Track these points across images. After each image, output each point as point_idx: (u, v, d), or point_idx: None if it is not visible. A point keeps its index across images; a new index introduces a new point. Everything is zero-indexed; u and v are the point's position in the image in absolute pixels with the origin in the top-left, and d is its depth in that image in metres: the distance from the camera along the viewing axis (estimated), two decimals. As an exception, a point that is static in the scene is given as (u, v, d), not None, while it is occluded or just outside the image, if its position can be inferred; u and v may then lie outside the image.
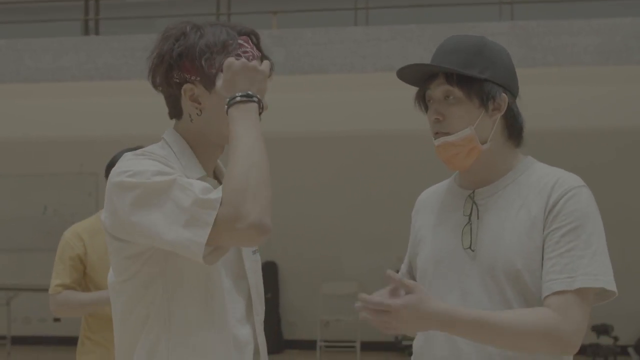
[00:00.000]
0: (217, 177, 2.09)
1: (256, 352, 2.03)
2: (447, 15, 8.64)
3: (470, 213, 2.10)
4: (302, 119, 10.03)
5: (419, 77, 2.13)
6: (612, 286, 1.98)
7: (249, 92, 1.90)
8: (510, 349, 1.98)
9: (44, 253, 7.46)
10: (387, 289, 1.96)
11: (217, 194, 1.81)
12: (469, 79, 2.06)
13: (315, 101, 9.64)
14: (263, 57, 2.03)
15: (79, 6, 9.33)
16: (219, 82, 1.92)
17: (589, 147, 9.89)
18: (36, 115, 10.24)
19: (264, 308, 2.10)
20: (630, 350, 9.71)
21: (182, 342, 1.92)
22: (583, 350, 8.72)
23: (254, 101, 1.90)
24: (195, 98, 1.97)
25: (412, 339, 2.24)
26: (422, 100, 2.15)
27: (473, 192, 2.13)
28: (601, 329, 8.83)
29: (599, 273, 1.96)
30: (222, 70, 1.93)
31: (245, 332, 2.00)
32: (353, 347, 9.86)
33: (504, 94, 2.08)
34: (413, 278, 2.22)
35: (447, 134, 2.07)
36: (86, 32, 9.21)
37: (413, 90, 2.18)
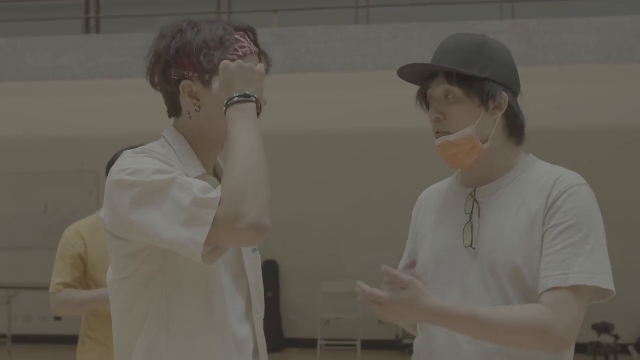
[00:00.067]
0: (217, 175, 2.09)
1: (256, 350, 2.02)
2: (448, 14, 8.64)
3: (472, 211, 2.10)
4: (303, 118, 10.02)
5: (420, 76, 2.13)
6: (607, 285, 1.98)
7: (247, 93, 1.90)
8: (503, 345, 1.99)
9: (45, 252, 7.47)
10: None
11: (216, 193, 1.80)
12: (469, 78, 2.06)
13: (316, 100, 9.63)
14: (261, 53, 2.03)
15: (79, 5, 9.33)
16: (216, 85, 1.93)
17: (590, 146, 9.88)
18: (37, 113, 10.24)
19: (264, 306, 2.10)
20: (631, 348, 9.71)
21: (182, 341, 1.92)
22: (584, 348, 8.75)
23: (252, 101, 1.90)
24: (193, 94, 1.97)
25: (413, 338, 2.25)
26: (424, 99, 2.15)
27: (474, 190, 2.13)
28: (602, 328, 8.83)
29: (594, 271, 1.96)
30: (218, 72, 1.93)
31: (245, 330, 2.00)
32: (354, 345, 9.87)
33: (504, 93, 2.08)
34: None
35: (448, 133, 2.08)
36: (87, 30, 9.20)
37: (414, 88, 2.18)
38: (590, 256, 1.97)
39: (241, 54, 1.97)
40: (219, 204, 1.78)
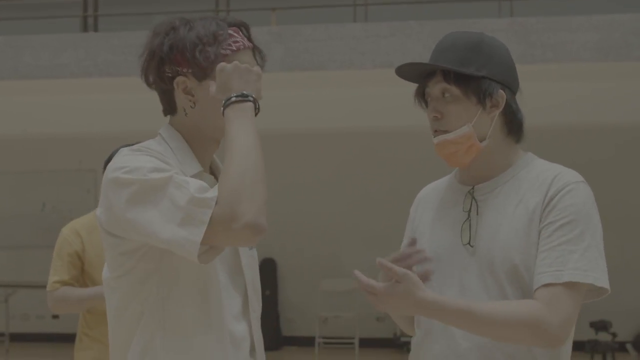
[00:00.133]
0: (213, 172, 2.08)
1: (252, 348, 2.02)
2: (446, 12, 8.65)
3: (470, 209, 2.10)
4: (301, 116, 10.02)
5: (418, 74, 2.13)
6: (602, 283, 1.97)
7: (244, 92, 1.90)
8: (497, 340, 1.99)
9: (43, 250, 7.46)
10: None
11: (213, 193, 1.80)
12: (466, 76, 2.06)
13: (314, 98, 9.63)
14: (255, 49, 2.03)
15: (78, 3, 9.33)
16: (213, 88, 1.92)
17: (588, 144, 9.89)
18: (35, 112, 10.23)
19: (261, 304, 2.09)
20: (629, 346, 9.73)
21: (177, 339, 1.91)
22: (581, 346, 8.76)
23: (250, 101, 1.90)
24: (188, 90, 1.97)
25: (410, 336, 2.25)
26: (422, 97, 2.15)
27: (473, 188, 2.13)
28: (599, 325, 8.84)
29: (589, 269, 1.96)
30: (215, 75, 1.93)
31: (242, 328, 1.99)
32: (352, 343, 9.88)
33: (501, 91, 2.08)
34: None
35: (446, 131, 2.08)
36: (85, 28, 9.20)
37: (412, 86, 2.18)
38: (585, 253, 1.97)
39: (234, 48, 1.97)
40: (216, 204, 1.78)
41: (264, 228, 1.78)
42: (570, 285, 1.95)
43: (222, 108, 1.90)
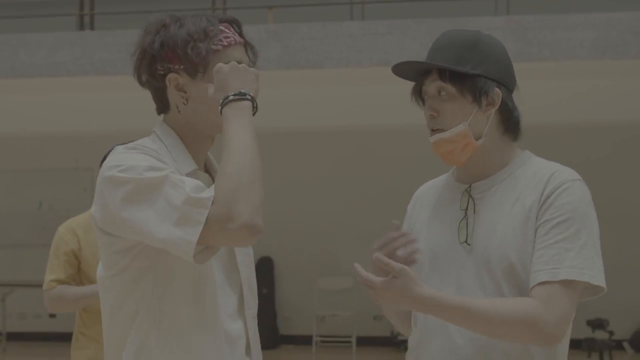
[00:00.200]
0: (207, 170, 2.08)
1: (248, 346, 2.01)
2: (443, 10, 8.65)
3: (467, 207, 2.10)
4: (298, 114, 10.02)
5: (415, 72, 2.14)
6: (598, 281, 1.97)
7: (242, 91, 1.89)
8: (493, 336, 1.99)
9: (39, 249, 7.44)
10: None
11: (209, 192, 1.79)
12: (462, 75, 2.06)
13: (312, 96, 9.63)
14: (247, 44, 2.02)
15: (74, 1, 9.32)
16: (211, 90, 1.92)
17: (585, 142, 9.89)
18: (31, 110, 10.22)
19: (257, 302, 2.09)
20: (626, 344, 9.73)
21: (172, 338, 1.91)
22: (578, 344, 8.75)
23: (247, 99, 1.89)
24: (180, 87, 1.97)
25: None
26: (419, 95, 2.16)
27: (470, 186, 2.13)
28: (596, 324, 8.85)
29: (585, 267, 1.96)
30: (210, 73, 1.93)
31: (237, 326, 1.99)
32: (349, 342, 9.87)
33: (497, 89, 2.08)
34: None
35: (442, 130, 2.08)
36: (81, 27, 9.19)
37: (409, 85, 2.18)
38: (581, 251, 1.97)
39: (225, 43, 1.97)
40: (212, 204, 1.77)
41: (261, 229, 1.77)
42: (566, 284, 1.95)
43: (219, 107, 1.89)
